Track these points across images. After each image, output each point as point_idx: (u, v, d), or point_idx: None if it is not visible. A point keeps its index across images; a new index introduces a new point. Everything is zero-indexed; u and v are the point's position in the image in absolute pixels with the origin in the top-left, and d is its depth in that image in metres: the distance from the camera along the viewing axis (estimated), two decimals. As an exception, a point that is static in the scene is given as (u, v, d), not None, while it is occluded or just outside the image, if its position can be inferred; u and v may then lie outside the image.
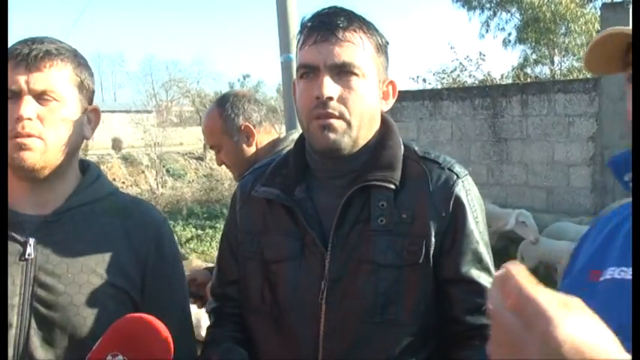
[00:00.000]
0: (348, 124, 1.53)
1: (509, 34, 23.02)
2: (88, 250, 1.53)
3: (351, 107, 1.52)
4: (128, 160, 19.98)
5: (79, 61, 1.62)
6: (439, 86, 15.74)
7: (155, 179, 19.42)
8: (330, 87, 1.50)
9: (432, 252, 1.50)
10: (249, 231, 1.65)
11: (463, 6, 23.28)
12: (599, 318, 1.12)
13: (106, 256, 1.54)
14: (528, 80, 16.82)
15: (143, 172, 19.68)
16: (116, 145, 26.25)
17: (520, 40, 22.28)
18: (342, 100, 1.51)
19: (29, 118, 1.50)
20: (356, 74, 1.53)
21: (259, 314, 1.60)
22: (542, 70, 22.35)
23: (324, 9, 1.57)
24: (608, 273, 1.17)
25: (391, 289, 1.48)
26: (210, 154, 21.51)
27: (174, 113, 30.93)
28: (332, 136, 1.52)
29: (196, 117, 25.12)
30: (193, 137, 23.57)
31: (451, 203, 1.53)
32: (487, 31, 23.30)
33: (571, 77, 16.84)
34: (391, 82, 1.65)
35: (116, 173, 18.73)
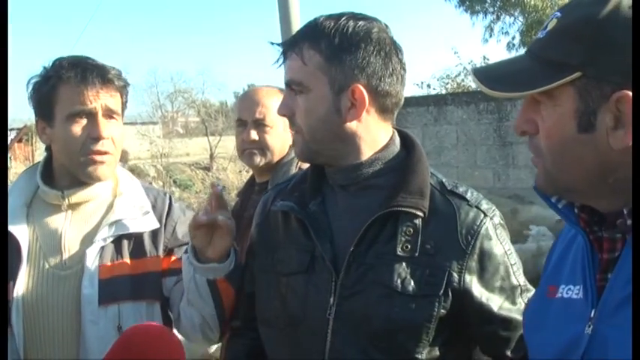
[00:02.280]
0: (303, 137, 1.55)
1: (513, 38, 23.00)
2: None
3: (299, 123, 1.55)
4: (135, 171, 19.94)
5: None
6: (443, 91, 15.75)
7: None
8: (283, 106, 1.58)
9: (452, 287, 1.46)
10: (266, 245, 1.66)
11: (466, 11, 23.30)
12: (553, 335, 1.17)
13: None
14: (533, 83, 16.80)
15: (150, 183, 19.72)
16: (123, 157, 26.10)
17: (524, 43, 22.24)
18: (296, 118, 1.55)
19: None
20: (300, 91, 1.53)
21: (271, 327, 1.61)
22: (547, 73, 22.29)
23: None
24: (559, 291, 1.20)
25: (403, 317, 1.45)
26: (217, 164, 21.57)
27: (179, 124, 31.01)
28: (296, 149, 1.61)
29: (202, 127, 25.18)
30: (199, 148, 23.62)
31: (477, 242, 1.49)
32: (491, 35, 23.26)
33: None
34: (354, 89, 1.49)
35: (123, 185, 18.74)
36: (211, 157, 22.35)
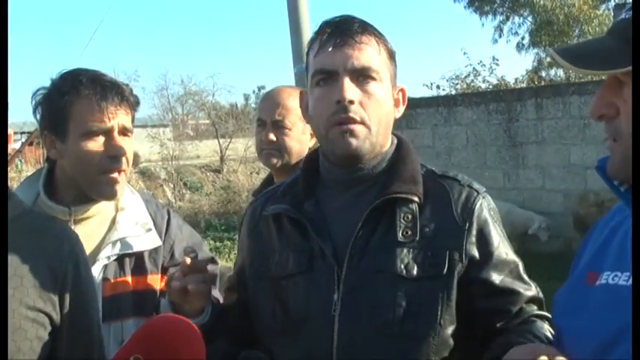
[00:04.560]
0: (369, 129, 1.53)
1: (523, 38, 22.90)
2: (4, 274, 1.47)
3: (371, 112, 1.53)
4: (146, 174, 20.05)
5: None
6: (453, 92, 15.70)
7: (173, 193, 19.47)
8: (351, 90, 1.50)
9: (455, 266, 1.49)
10: (259, 252, 1.65)
11: (475, 11, 23.22)
12: (596, 323, 1.13)
13: (24, 280, 1.46)
14: (543, 83, 16.73)
15: (161, 185, 19.74)
16: (133, 159, 26.21)
17: (534, 43, 22.15)
18: (362, 105, 1.52)
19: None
20: (374, 79, 1.53)
21: (274, 333, 1.58)
22: (557, 73, 22.23)
23: (337, 17, 1.58)
24: (603, 277, 1.17)
25: (411, 302, 1.46)
26: (228, 167, 21.58)
27: (190, 127, 31.01)
28: (354, 141, 1.52)
29: (212, 130, 25.17)
30: (210, 150, 23.59)
31: (474, 219, 1.53)
32: (500, 35, 23.18)
33: (586, 79, 16.74)
34: (402, 90, 1.65)
35: (134, 187, 18.78)
36: (222, 159, 22.33)
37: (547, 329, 1.50)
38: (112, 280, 1.86)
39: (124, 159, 1.87)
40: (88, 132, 1.81)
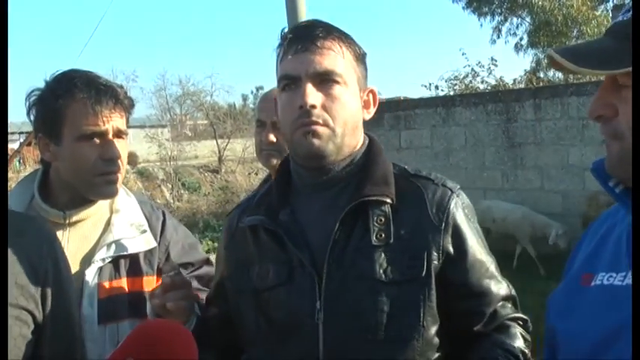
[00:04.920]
0: (332, 131, 1.53)
1: (521, 39, 22.95)
2: None
3: (335, 115, 1.53)
4: (144, 174, 20.07)
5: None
6: (451, 93, 15.71)
7: (171, 193, 19.48)
8: (312, 95, 1.51)
9: (433, 266, 1.49)
10: (238, 264, 1.64)
11: (474, 12, 23.25)
12: (590, 323, 1.14)
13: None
14: (541, 84, 16.74)
15: (159, 186, 19.76)
16: (132, 160, 26.32)
17: (532, 44, 22.19)
18: (325, 109, 1.52)
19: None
20: (337, 82, 1.54)
21: (258, 344, 1.58)
22: (556, 74, 22.25)
23: (302, 22, 1.60)
24: (598, 278, 1.18)
25: (393, 305, 1.47)
26: (226, 167, 21.59)
27: (188, 127, 31.03)
28: (316, 141, 1.52)
29: (210, 130, 25.18)
30: (208, 150, 23.61)
31: (449, 218, 1.53)
32: (498, 36, 23.23)
33: (584, 80, 16.76)
34: (371, 91, 1.66)
35: (132, 188, 18.76)
36: (220, 159, 22.35)
37: (520, 334, 1.53)
38: (108, 282, 1.86)
39: (119, 161, 1.88)
40: (82, 135, 1.82)
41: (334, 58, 1.54)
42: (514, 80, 17.88)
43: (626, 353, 1.03)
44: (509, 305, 1.58)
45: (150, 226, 1.99)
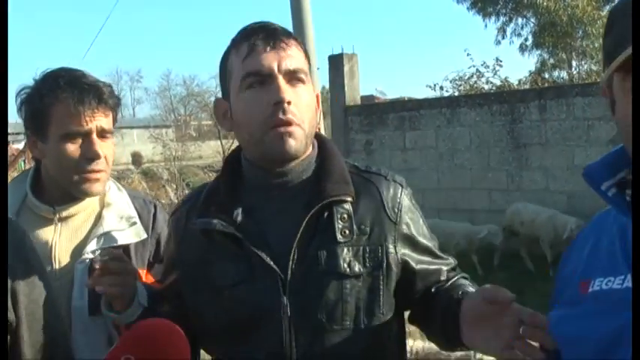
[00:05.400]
0: (303, 130, 1.54)
1: (526, 40, 22.96)
2: None
3: (303, 114, 1.53)
4: (148, 174, 20.12)
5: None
6: (456, 93, 15.68)
7: (175, 193, 19.48)
8: (288, 92, 1.51)
9: (391, 257, 1.57)
10: (194, 263, 1.61)
11: (478, 12, 23.24)
12: (592, 329, 1.14)
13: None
14: (546, 85, 16.71)
15: (163, 186, 19.78)
16: (136, 160, 26.42)
17: (537, 44, 22.19)
18: (295, 107, 1.52)
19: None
20: (303, 81, 1.55)
21: (221, 340, 1.59)
22: (560, 75, 22.23)
23: (258, 22, 1.58)
24: (596, 284, 1.18)
25: (358, 297, 1.53)
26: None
27: (192, 127, 31.10)
28: (292, 143, 1.51)
29: (214, 130, 25.22)
30: (212, 150, 23.66)
31: (402, 213, 1.61)
32: (503, 37, 23.25)
33: (589, 80, 16.72)
34: (317, 95, 1.67)
35: (137, 188, 18.85)
36: (224, 159, 22.38)
37: (470, 285, 1.63)
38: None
39: (101, 160, 1.90)
40: (66, 134, 1.85)
41: (300, 57, 1.56)
42: (519, 81, 17.84)
43: (630, 355, 1.03)
44: (453, 271, 1.70)
45: (141, 219, 2.02)
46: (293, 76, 1.53)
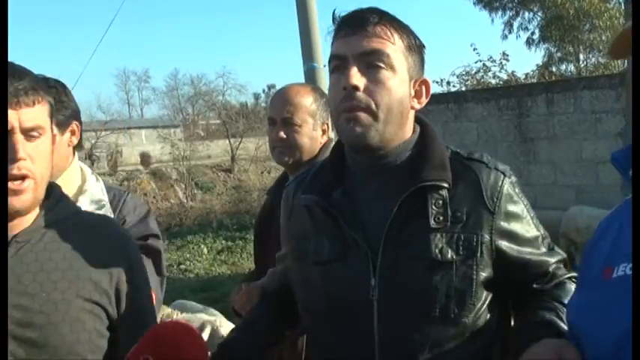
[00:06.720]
0: (375, 116, 1.54)
1: (533, 33, 22.89)
2: (60, 268, 1.53)
3: (379, 99, 1.53)
4: (157, 175, 20.15)
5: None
6: (463, 88, 15.65)
7: (184, 193, 19.55)
8: (356, 77, 1.52)
9: (485, 247, 1.54)
10: (298, 238, 1.70)
11: (485, 7, 23.18)
12: (618, 312, 1.14)
13: (79, 273, 1.55)
14: (553, 78, 16.65)
15: (172, 186, 19.83)
16: (145, 160, 26.47)
17: (544, 38, 22.11)
18: (368, 92, 1.53)
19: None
20: (383, 66, 1.54)
21: (314, 315, 1.66)
22: (568, 68, 22.16)
23: (359, 8, 1.60)
24: (620, 269, 1.19)
25: (447, 284, 1.51)
26: (239, 166, 21.63)
27: (200, 127, 31.14)
28: (358, 129, 1.54)
29: (223, 129, 25.26)
30: (221, 150, 23.69)
31: (502, 201, 1.57)
32: (510, 31, 23.19)
33: (597, 73, 16.64)
34: (424, 82, 1.66)
35: (146, 188, 18.90)
36: (232, 158, 22.41)
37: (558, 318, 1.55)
38: None
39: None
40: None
41: (382, 43, 1.55)
42: (526, 75, 17.78)
43: None
44: (562, 267, 1.65)
45: (111, 203, 2.28)
46: (370, 62, 1.54)
